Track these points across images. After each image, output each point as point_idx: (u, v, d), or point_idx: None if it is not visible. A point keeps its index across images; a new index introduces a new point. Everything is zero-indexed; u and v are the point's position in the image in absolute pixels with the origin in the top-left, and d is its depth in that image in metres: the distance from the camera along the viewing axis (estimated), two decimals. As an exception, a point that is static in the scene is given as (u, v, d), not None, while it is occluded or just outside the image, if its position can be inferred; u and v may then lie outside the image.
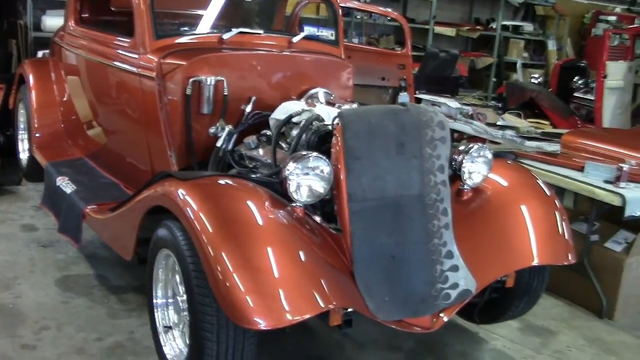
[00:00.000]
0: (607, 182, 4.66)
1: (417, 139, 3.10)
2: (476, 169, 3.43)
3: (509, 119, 6.85)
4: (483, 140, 6.40)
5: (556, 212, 3.49)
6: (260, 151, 3.68)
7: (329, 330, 3.44)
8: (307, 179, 2.88)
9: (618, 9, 13.70)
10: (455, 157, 3.42)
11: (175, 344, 3.11)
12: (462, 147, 3.45)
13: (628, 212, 4.40)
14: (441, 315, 3.05)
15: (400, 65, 6.38)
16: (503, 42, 12.08)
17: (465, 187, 3.46)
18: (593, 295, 4.70)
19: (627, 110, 8.26)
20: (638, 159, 5.27)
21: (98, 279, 4.31)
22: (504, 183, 3.59)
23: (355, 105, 3.61)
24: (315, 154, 2.92)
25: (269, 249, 2.58)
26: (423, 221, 3.06)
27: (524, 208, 3.42)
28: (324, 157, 2.92)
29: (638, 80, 8.44)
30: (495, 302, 3.67)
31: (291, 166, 2.85)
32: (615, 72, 7.88)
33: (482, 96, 10.39)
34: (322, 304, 2.56)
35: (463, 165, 3.40)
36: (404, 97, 6.04)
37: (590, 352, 4.11)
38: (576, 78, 9.25)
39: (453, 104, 7.14)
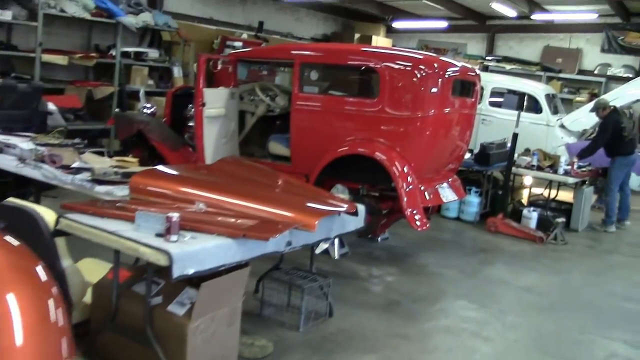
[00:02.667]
0: (158, 235, 3.87)
1: None
2: None
3: (89, 158, 5.88)
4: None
5: (50, 301, 2.61)
6: None
7: None
8: None
9: (245, 35, 13.64)
10: None
11: None
12: None
13: (177, 272, 3.64)
14: None
15: None
16: (126, 69, 11.16)
17: None
18: (159, 370, 3.90)
19: (235, 138, 7.80)
20: (210, 200, 4.63)
21: None
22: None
23: None
24: None
25: None
26: None
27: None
28: None
29: (245, 107, 8.03)
30: None
31: None
32: (215, 100, 7.35)
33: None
34: None
35: None
36: None
37: None
38: (190, 106, 8.60)
39: (26, 145, 5.99)
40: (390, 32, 18.07)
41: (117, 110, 10.84)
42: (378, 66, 6.74)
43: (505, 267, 7.64)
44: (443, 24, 16.88)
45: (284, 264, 5.64)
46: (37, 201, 6.67)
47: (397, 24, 17.57)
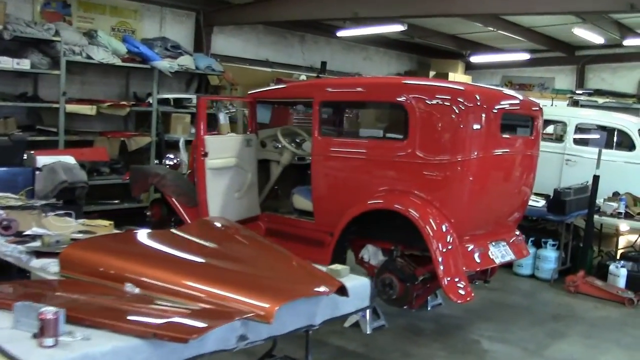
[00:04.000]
0: (36, 336, 2.82)
1: None
2: None
3: (50, 223, 4.95)
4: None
5: None
6: None
7: None
8: None
9: (304, 77, 12.69)
10: None
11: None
12: None
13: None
14: None
15: None
16: (165, 117, 10.38)
17: None
18: None
19: (253, 192, 6.75)
20: (145, 281, 3.55)
21: None
22: None
23: None
24: None
25: None
26: None
27: None
28: None
29: (269, 155, 6.99)
30: None
31: None
32: (221, 149, 6.35)
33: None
34: None
35: None
36: None
37: None
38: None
39: (-18, 208, 5.14)
40: (471, 68, 16.72)
41: (156, 162, 10.09)
42: (406, 100, 5.55)
43: (581, 341, 6.18)
44: (526, 56, 15.35)
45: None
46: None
47: (476, 59, 16.14)
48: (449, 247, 5.39)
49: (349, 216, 5.78)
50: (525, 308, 7.16)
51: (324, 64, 13.72)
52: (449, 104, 5.45)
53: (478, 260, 5.70)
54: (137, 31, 10.81)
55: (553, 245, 8.22)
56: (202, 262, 3.87)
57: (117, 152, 9.78)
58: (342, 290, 3.76)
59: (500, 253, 5.96)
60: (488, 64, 16.46)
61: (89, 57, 9.26)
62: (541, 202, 8.34)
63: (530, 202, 8.24)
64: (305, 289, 3.63)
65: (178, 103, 10.60)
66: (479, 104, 5.47)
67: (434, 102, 5.50)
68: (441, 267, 5.25)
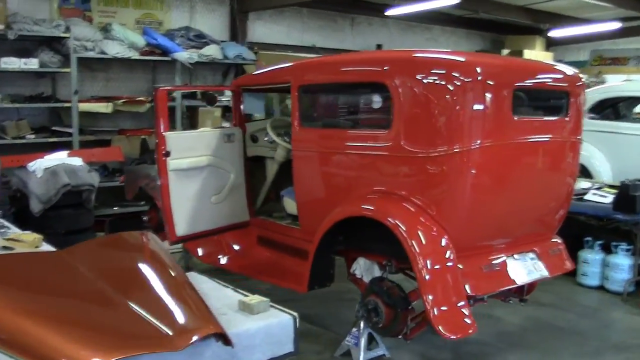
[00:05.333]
0: None
1: None
2: None
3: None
4: None
5: None
6: None
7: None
8: None
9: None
10: None
11: None
12: None
13: None
14: None
15: None
16: (192, 112, 9.64)
17: None
18: None
19: (238, 195, 5.79)
20: None
21: None
22: None
23: None
24: None
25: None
26: None
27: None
28: None
29: (262, 151, 6.03)
30: None
31: None
32: (186, 147, 5.41)
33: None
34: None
35: None
36: None
37: None
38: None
39: None
40: (553, 44, 15.02)
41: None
42: (387, 79, 4.41)
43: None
44: (616, 25, 13.44)
45: None
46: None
47: (558, 33, 14.33)
48: (448, 263, 4.22)
49: (327, 223, 4.71)
50: (578, 332, 5.76)
51: (379, 47, 12.60)
52: (442, 81, 4.25)
53: (491, 281, 4.48)
54: (165, 23, 10.15)
55: (627, 250, 6.76)
56: (52, 297, 2.98)
57: (139, 151, 9.12)
58: (225, 338, 2.75)
59: (525, 269, 4.69)
60: (573, 38, 14.65)
61: (102, 52, 8.70)
62: (609, 198, 6.90)
63: (594, 198, 6.94)
64: (157, 341, 2.63)
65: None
66: (480, 78, 4.25)
67: (423, 79, 4.31)
68: (429, 297, 4.07)
